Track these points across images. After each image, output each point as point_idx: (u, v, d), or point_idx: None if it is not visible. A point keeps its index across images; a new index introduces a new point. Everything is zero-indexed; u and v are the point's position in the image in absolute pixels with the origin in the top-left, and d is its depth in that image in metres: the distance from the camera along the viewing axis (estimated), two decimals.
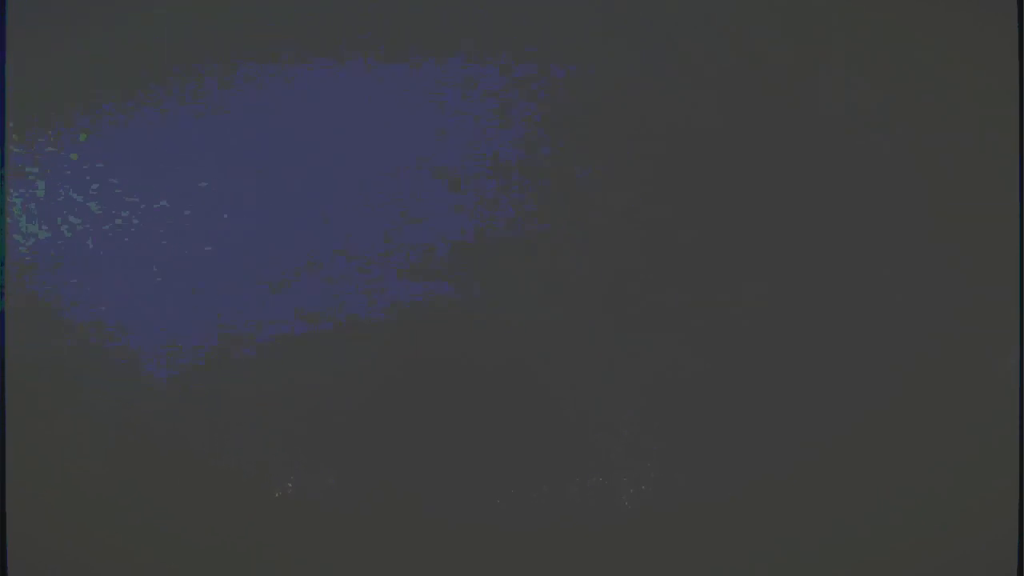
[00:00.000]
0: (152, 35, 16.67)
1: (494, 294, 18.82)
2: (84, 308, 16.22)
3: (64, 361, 17.53)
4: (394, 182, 16.82)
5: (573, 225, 18.41)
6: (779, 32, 16.90)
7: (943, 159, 15.74)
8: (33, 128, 16.34)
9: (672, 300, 18.37)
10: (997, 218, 15.64)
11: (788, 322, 17.09)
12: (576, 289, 18.80)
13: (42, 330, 16.80)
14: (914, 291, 16.89)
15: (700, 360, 18.00)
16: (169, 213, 16.86)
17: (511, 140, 16.96)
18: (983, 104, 15.34)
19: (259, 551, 17.00)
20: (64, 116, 16.05)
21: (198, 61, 16.16)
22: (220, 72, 15.66)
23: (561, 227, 18.50)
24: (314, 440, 19.45)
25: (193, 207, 16.62)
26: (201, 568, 16.30)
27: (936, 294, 16.73)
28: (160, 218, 16.79)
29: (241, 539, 17.24)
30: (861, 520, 15.28)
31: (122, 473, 17.60)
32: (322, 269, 17.20)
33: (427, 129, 17.13)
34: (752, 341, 17.38)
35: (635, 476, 19.44)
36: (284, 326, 17.72)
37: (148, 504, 16.99)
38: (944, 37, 15.26)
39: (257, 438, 18.56)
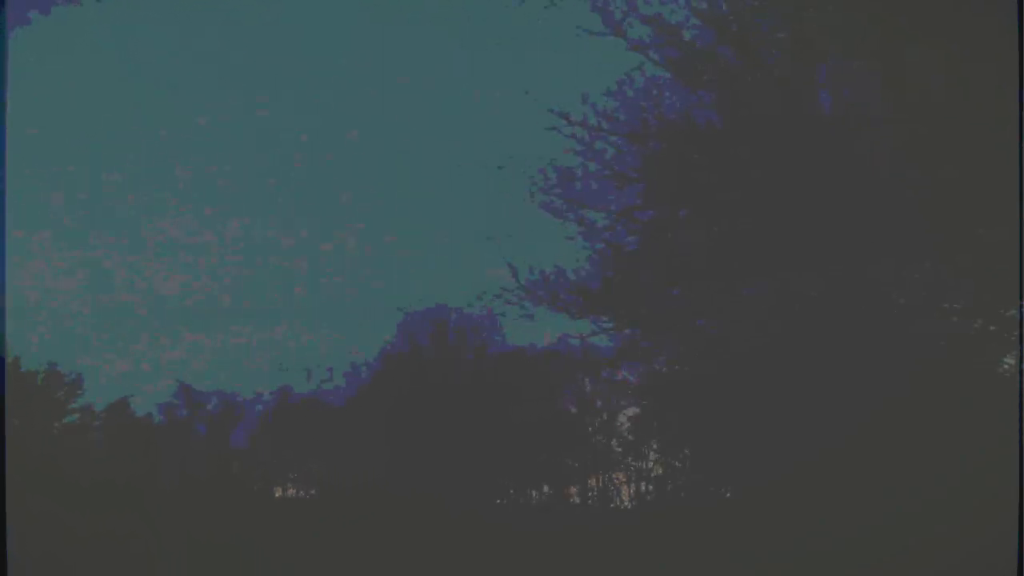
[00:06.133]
0: None
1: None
2: None
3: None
4: None
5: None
6: (780, 32, 16.76)
7: (943, 159, 15.62)
8: None
9: (675, 301, 18.21)
10: (997, 219, 15.50)
11: (792, 323, 16.97)
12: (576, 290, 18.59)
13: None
14: (916, 292, 16.77)
15: (703, 361, 17.83)
16: None
17: None
18: (984, 105, 15.21)
19: (259, 551, 16.86)
20: None
21: None
22: None
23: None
24: (317, 441, 19.22)
25: None
26: (201, 568, 16.18)
27: (938, 295, 16.59)
28: None
29: (241, 539, 17.10)
30: (862, 519, 15.18)
31: (121, 474, 17.40)
32: None
33: None
34: (755, 342, 17.24)
35: (635, 476, 19.26)
36: None
37: (146, 505, 16.81)
38: (944, 37, 15.15)
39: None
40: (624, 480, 19.54)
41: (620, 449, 19.80)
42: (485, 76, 18.71)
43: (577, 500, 19.79)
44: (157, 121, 18.35)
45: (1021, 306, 16.08)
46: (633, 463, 19.63)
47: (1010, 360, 16.59)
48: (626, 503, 19.41)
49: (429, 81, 18.84)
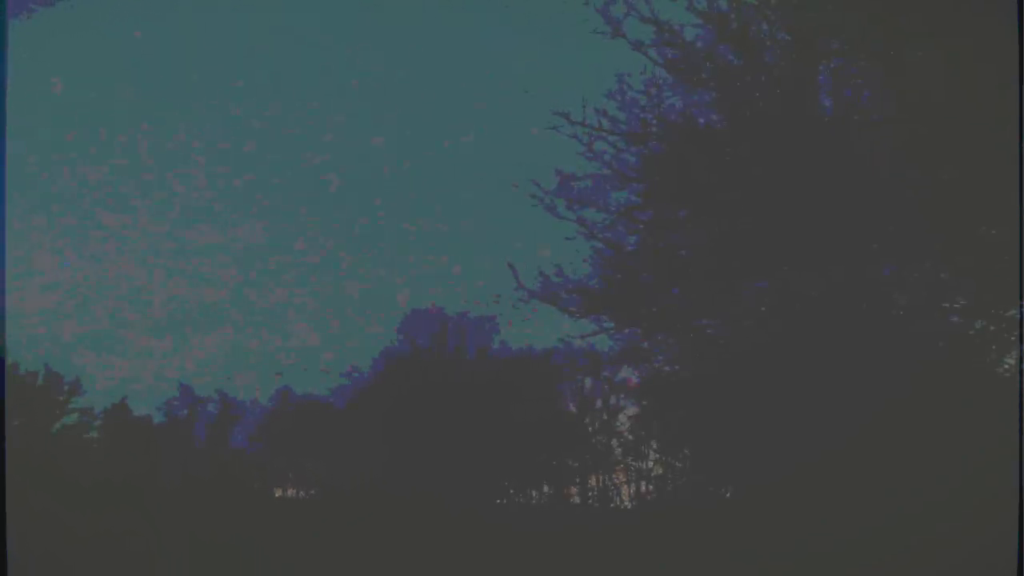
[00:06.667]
0: None
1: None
2: None
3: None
4: None
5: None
6: (780, 31, 16.74)
7: (944, 159, 15.61)
8: None
9: (675, 301, 18.19)
10: (998, 219, 15.50)
11: (792, 323, 16.95)
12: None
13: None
14: (917, 293, 16.75)
15: (703, 361, 17.80)
16: None
17: None
18: (984, 105, 15.20)
19: (259, 551, 16.86)
20: None
21: None
22: None
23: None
24: (317, 441, 19.21)
25: None
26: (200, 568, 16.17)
27: (938, 295, 16.57)
28: None
29: (241, 539, 17.10)
30: (862, 519, 15.17)
31: (121, 474, 17.39)
32: None
33: None
34: (755, 342, 17.22)
35: (635, 476, 19.24)
36: None
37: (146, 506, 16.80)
38: (944, 37, 15.14)
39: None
40: (624, 480, 19.55)
41: (620, 449, 19.80)
42: (485, 75, 18.70)
43: (577, 500, 19.79)
44: (158, 122, 18.36)
45: (1021, 306, 16.08)
46: (633, 463, 19.63)
47: (1010, 360, 16.59)
48: (626, 503, 19.42)
49: (429, 81, 18.84)
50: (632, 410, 19.76)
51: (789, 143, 17.18)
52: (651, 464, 19.52)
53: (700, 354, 18.13)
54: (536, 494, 19.95)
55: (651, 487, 19.35)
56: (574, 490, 19.84)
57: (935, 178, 16.74)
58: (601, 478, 19.65)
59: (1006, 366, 16.70)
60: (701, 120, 17.78)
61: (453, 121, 18.85)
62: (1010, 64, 15.72)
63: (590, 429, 19.99)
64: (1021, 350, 16.22)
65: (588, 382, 19.97)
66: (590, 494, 19.66)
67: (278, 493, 19.92)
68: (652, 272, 17.97)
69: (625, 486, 19.51)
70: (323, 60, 18.77)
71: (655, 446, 19.54)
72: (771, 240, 17.19)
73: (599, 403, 19.98)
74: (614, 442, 19.85)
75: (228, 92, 18.53)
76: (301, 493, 19.97)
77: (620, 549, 17.31)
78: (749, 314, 17.67)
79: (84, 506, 17.28)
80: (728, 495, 18.28)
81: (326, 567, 17.44)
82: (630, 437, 19.75)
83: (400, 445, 19.24)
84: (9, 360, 16.93)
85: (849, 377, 16.21)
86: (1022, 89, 15.79)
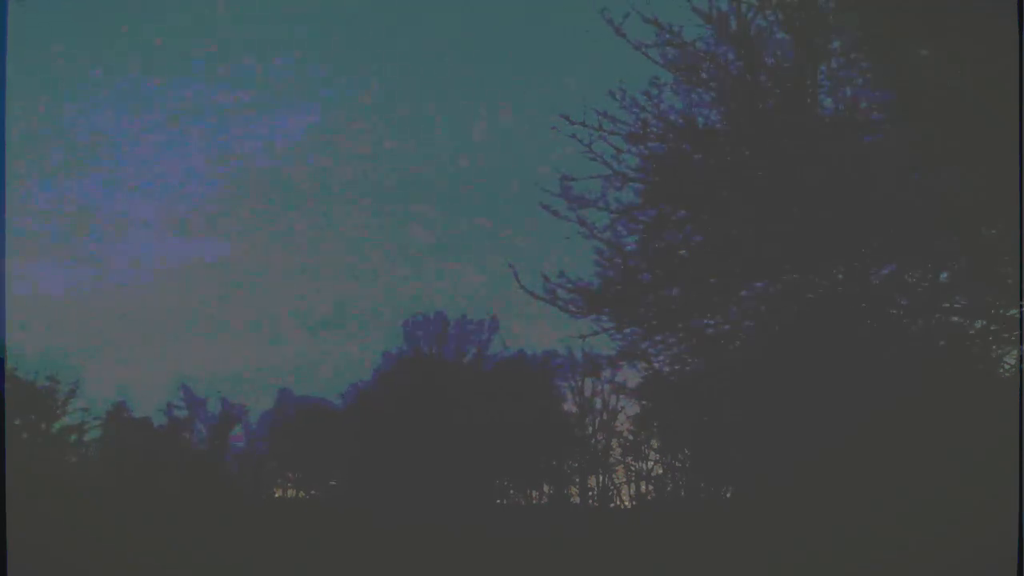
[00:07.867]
0: None
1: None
2: None
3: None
4: None
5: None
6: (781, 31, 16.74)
7: (944, 159, 15.61)
8: None
9: (675, 301, 18.19)
10: (998, 219, 15.49)
11: (792, 323, 16.94)
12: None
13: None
14: (917, 292, 16.75)
15: (703, 360, 17.79)
16: None
17: None
18: (984, 105, 15.21)
19: (259, 552, 16.87)
20: None
21: None
22: None
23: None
24: (317, 443, 19.23)
25: None
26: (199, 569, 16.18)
27: (938, 295, 16.56)
28: None
29: (241, 539, 17.11)
30: (862, 519, 15.17)
31: (121, 474, 17.39)
32: None
33: None
34: (755, 342, 17.21)
35: (635, 476, 19.23)
36: None
37: (148, 506, 16.81)
38: (945, 37, 15.15)
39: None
40: (624, 480, 19.56)
41: (620, 449, 19.81)
42: (484, 75, 18.72)
43: (577, 500, 19.80)
44: (158, 123, 18.37)
45: (1021, 306, 16.09)
46: (633, 463, 19.65)
47: (1010, 360, 16.59)
48: (626, 503, 19.44)
49: (429, 81, 18.86)
50: (632, 410, 19.78)
51: (789, 143, 17.19)
52: (651, 464, 19.55)
53: (700, 354, 18.14)
54: (536, 494, 19.98)
55: (651, 487, 19.37)
56: (574, 490, 19.86)
57: (935, 178, 16.75)
58: (601, 478, 19.67)
59: (1006, 366, 16.71)
60: (701, 120, 17.81)
61: (453, 122, 18.88)
62: (1010, 64, 15.73)
63: (590, 429, 20.01)
64: (1021, 350, 16.22)
65: (588, 382, 19.99)
66: (590, 494, 19.68)
67: (278, 493, 19.95)
68: (652, 272, 17.98)
69: (625, 486, 19.53)
70: (324, 62, 18.79)
71: (655, 446, 19.56)
72: (771, 240, 17.20)
73: (599, 403, 20.00)
74: (614, 442, 19.86)
75: (228, 90, 18.55)
76: (301, 494, 20.00)
77: (620, 549, 17.33)
78: (749, 314, 17.68)
79: (84, 506, 17.28)
80: (728, 495, 18.30)
81: (326, 568, 17.46)
82: (630, 437, 19.76)
83: (400, 446, 19.26)
84: (9, 361, 16.94)
85: (849, 377, 16.21)
86: (1022, 89, 15.80)
